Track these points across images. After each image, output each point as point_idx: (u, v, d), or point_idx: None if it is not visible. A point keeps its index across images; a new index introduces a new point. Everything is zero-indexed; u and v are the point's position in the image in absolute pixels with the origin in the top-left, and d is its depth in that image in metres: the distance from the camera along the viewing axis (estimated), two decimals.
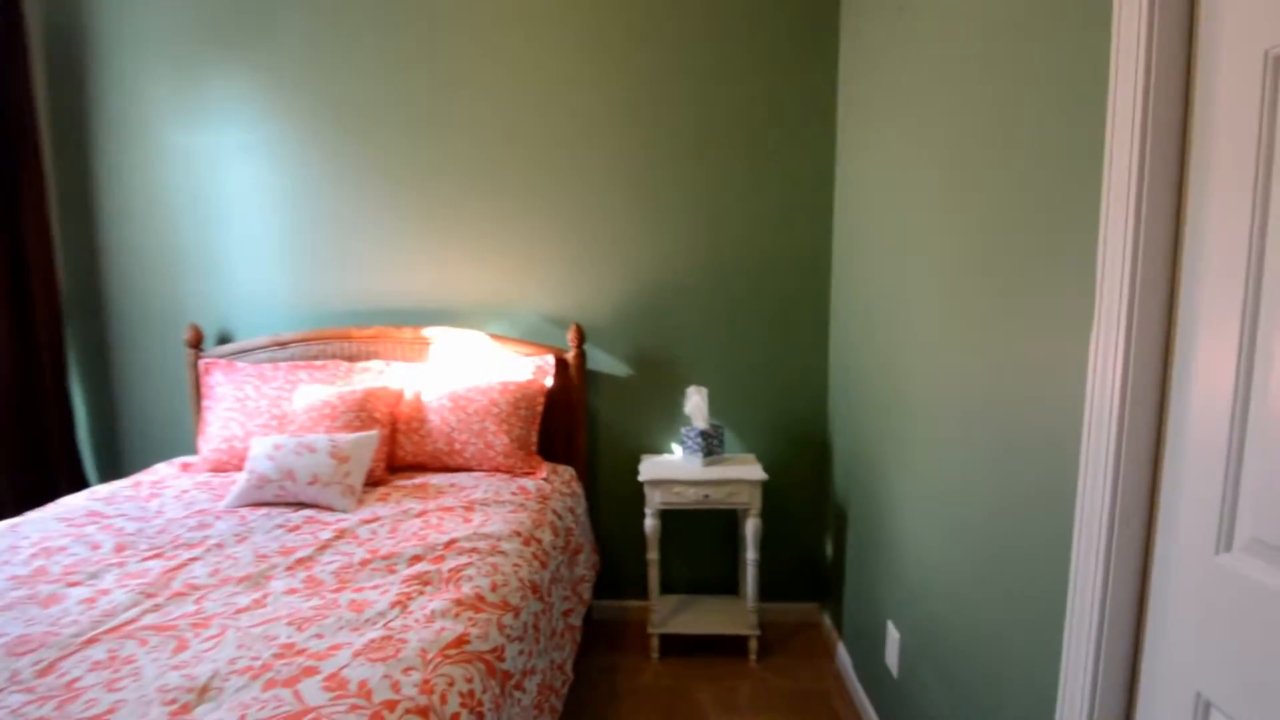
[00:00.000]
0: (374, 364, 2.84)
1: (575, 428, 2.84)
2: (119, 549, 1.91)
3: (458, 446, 2.59)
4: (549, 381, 2.75)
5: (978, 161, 1.56)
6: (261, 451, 2.31)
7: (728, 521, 2.95)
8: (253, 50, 2.93)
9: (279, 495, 2.25)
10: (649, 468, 2.66)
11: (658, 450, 2.92)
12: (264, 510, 2.20)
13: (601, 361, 2.91)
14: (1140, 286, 1.04)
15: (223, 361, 2.92)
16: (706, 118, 2.79)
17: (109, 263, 3.15)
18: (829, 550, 2.88)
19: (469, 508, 2.17)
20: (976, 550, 1.56)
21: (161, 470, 2.68)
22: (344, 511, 2.20)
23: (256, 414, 2.71)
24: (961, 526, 1.64)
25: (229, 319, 3.11)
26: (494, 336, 2.85)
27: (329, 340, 2.94)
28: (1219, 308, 0.95)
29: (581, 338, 2.80)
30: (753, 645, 2.65)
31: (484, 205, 2.90)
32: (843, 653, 2.62)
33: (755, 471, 2.57)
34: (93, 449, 3.26)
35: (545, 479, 2.53)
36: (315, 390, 2.62)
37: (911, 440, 1.97)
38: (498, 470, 2.58)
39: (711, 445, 2.67)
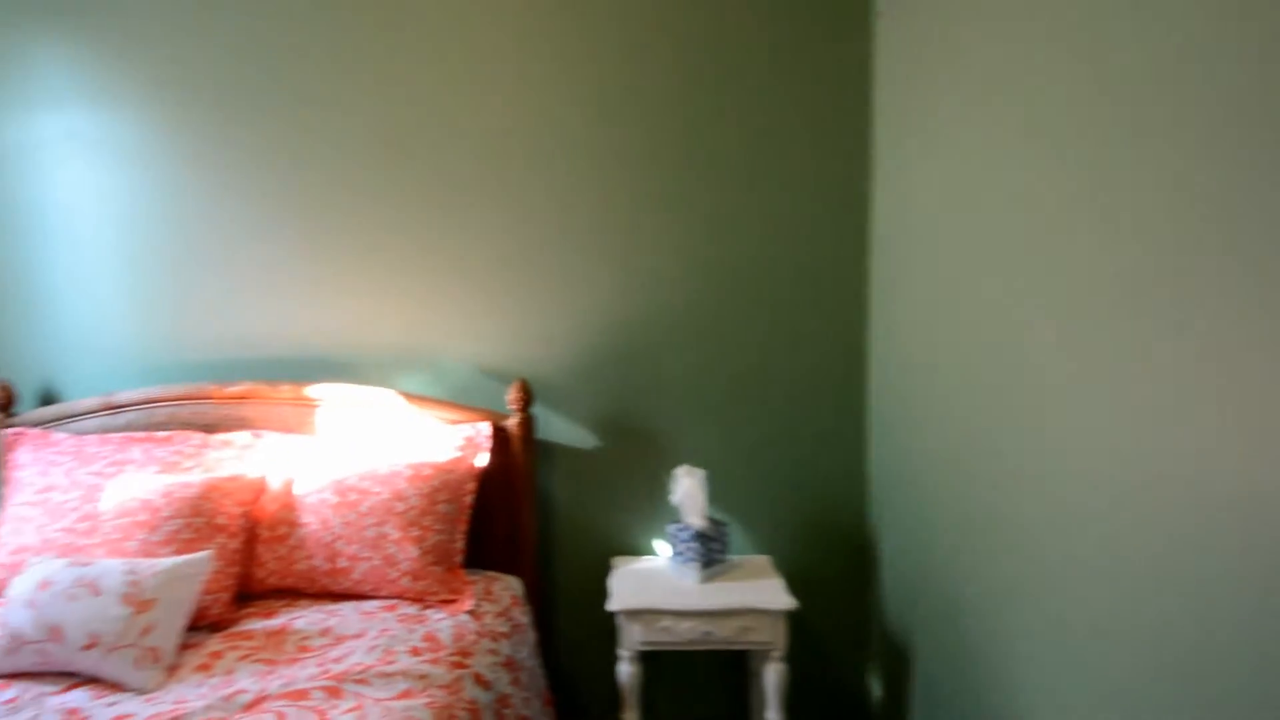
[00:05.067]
0: (238, 436, 2.03)
1: (521, 520, 2.04)
2: None
3: (343, 563, 1.78)
4: (482, 460, 1.96)
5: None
6: (24, 593, 1.48)
7: (734, 654, 2.15)
8: (87, 12, 2.14)
9: (41, 663, 1.43)
10: (624, 585, 1.87)
11: (635, 550, 2.13)
12: (12, 692, 1.38)
13: (556, 429, 2.13)
14: None
15: (34, 432, 2.09)
16: (698, 125, 2.06)
17: None
18: (876, 693, 2.10)
19: (334, 691, 1.35)
20: None
21: None
22: (138, 691, 1.38)
23: (62, 513, 1.88)
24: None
25: (55, 371, 2.28)
26: (410, 397, 2.05)
27: (181, 401, 2.12)
28: None
29: (528, 398, 2.02)
30: None
31: (399, 224, 2.12)
32: None
33: (778, 596, 1.78)
34: None
35: (471, 612, 1.73)
36: (132, 483, 1.80)
37: (1051, 556, 1.22)
38: (401, 598, 1.77)
39: (712, 551, 1.89)
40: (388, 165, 2.10)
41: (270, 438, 2.02)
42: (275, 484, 1.90)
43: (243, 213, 2.16)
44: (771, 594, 1.78)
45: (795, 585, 1.87)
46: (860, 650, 2.18)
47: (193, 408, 2.11)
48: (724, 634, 1.74)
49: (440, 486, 1.85)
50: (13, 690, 1.37)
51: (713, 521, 1.92)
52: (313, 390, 2.07)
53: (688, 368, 2.09)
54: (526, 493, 2.04)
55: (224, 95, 2.13)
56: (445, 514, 1.84)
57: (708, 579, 1.87)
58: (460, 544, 1.87)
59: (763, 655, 1.83)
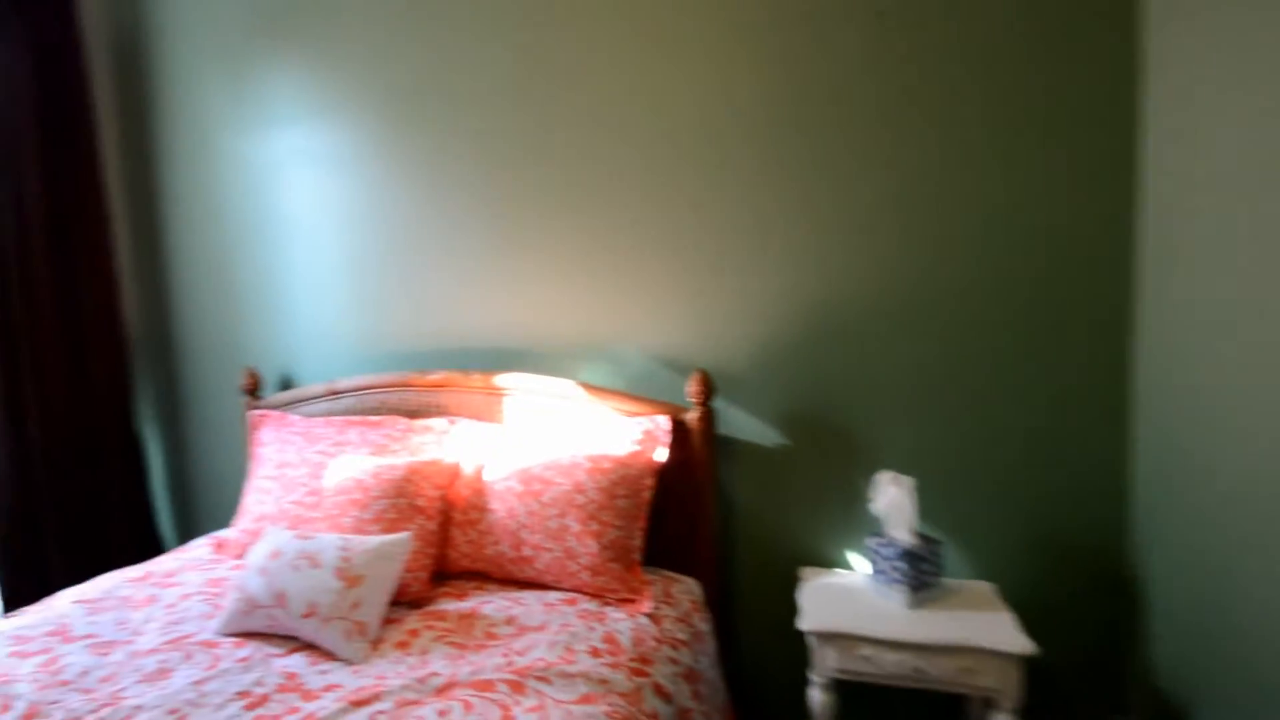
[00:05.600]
0: (436, 422, 2.13)
1: (701, 520, 1.93)
2: (28, 718, 1.29)
3: (527, 552, 1.78)
4: (661, 454, 1.87)
5: None
6: (258, 560, 1.64)
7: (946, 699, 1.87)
8: (309, 36, 2.37)
9: (270, 626, 1.57)
10: (816, 601, 1.68)
11: (827, 561, 1.93)
12: (247, 651, 1.51)
13: (739, 423, 1.98)
14: None
15: (274, 414, 2.36)
16: (907, 80, 1.78)
17: (175, 293, 2.75)
18: None
19: (517, 686, 1.33)
20: None
21: (192, 551, 2.15)
22: (347, 663, 1.46)
23: (294, 486, 2.09)
24: None
25: (291, 361, 2.57)
26: (589, 387, 2.02)
27: (388, 389, 2.28)
28: None
29: (709, 390, 1.89)
30: None
31: (581, 217, 2.10)
32: None
33: (1011, 635, 1.49)
34: (170, 505, 2.87)
35: (651, 614, 1.64)
36: (348, 463, 1.95)
37: None
38: (581, 592, 1.73)
39: (923, 572, 1.64)
40: (570, 163, 2.08)
41: (464, 424, 2.09)
42: (468, 469, 1.95)
43: (439, 214, 2.26)
44: (1002, 632, 1.49)
45: (1027, 621, 1.57)
46: (1115, 708, 1.79)
47: (399, 395, 2.25)
48: (939, 673, 1.49)
49: (619, 481, 1.79)
50: (247, 649, 1.51)
51: (923, 538, 1.67)
52: (500, 379, 2.11)
53: (893, 358, 1.84)
54: (707, 491, 1.92)
55: (422, 106, 2.24)
56: (623, 509, 1.78)
57: (917, 605, 1.62)
58: (638, 541, 1.80)
59: (986, 703, 1.55)
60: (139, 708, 1.29)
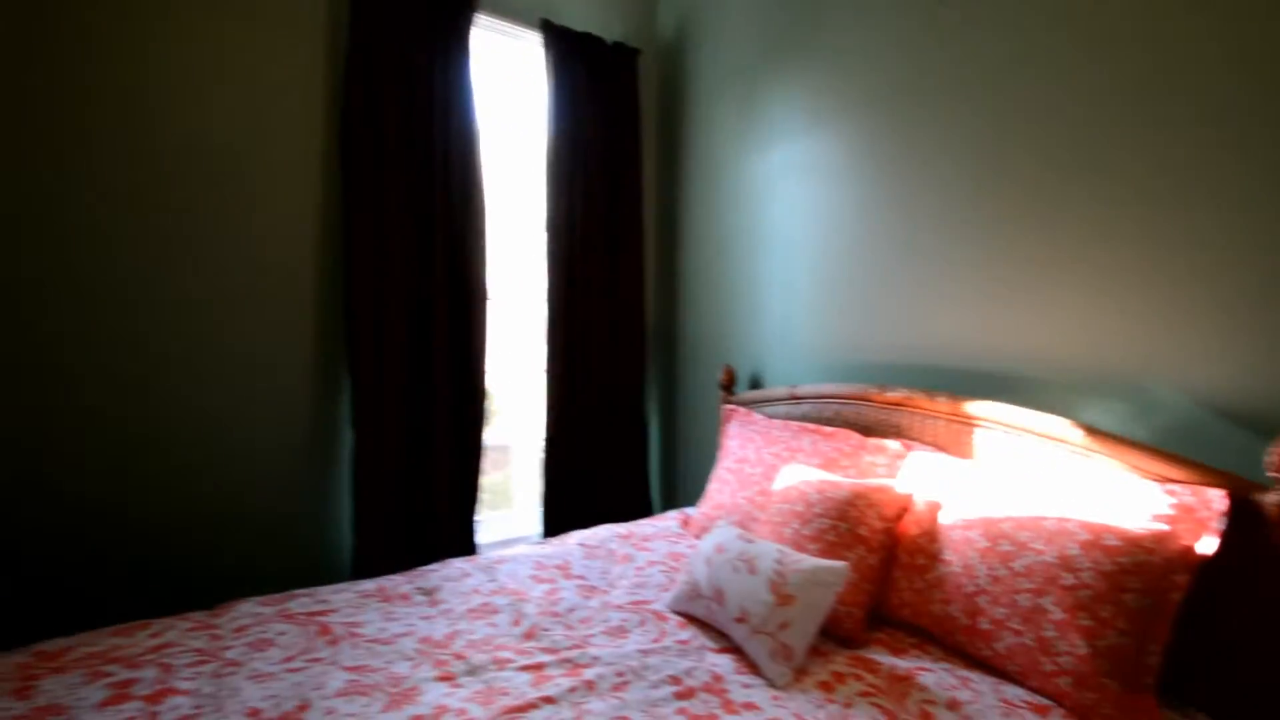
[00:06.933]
0: (890, 444, 1.94)
1: (1269, 653, 1.28)
2: (527, 636, 1.63)
3: (984, 624, 1.46)
4: (1208, 545, 1.30)
5: None
6: (705, 550, 1.76)
7: None
8: (808, 53, 2.43)
9: (708, 615, 1.66)
10: None
11: None
12: (687, 634, 1.63)
13: None
14: None
15: (741, 410, 2.54)
16: None
17: (681, 294, 3.20)
18: None
19: None
20: None
21: (663, 521, 2.47)
22: (768, 687, 1.43)
23: (748, 483, 2.20)
24: None
25: (761, 361, 2.72)
26: (1092, 432, 1.55)
27: (846, 400, 2.19)
28: None
29: None
30: None
31: (1096, 201, 1.62)
32: None
33: None
34: (659, 472, 3.40)
35: None
36: (796, 473, 1.92)
37: None
38: (1056, 700, 1.33)
39: None
40: (1076, 142, 1.62)
41: (920, 451, 1.86)
42: (920, 504, 1.72)
43: (912, 220, 2.06)
44: None
45: None
46: None
47: (855, 408, 2.15)
48: None
49: (1131, 568, 1.31)
50: (688, 633, 1.62)
51: None
52: (972, 407, 1.79)
53: None
54: None
55: (908, 113, 2.08)
56: (1134, 609, 1.29)
57: None
58: (1154, 660, 1.29)
59: None
60: (596, 659, 1.50)
